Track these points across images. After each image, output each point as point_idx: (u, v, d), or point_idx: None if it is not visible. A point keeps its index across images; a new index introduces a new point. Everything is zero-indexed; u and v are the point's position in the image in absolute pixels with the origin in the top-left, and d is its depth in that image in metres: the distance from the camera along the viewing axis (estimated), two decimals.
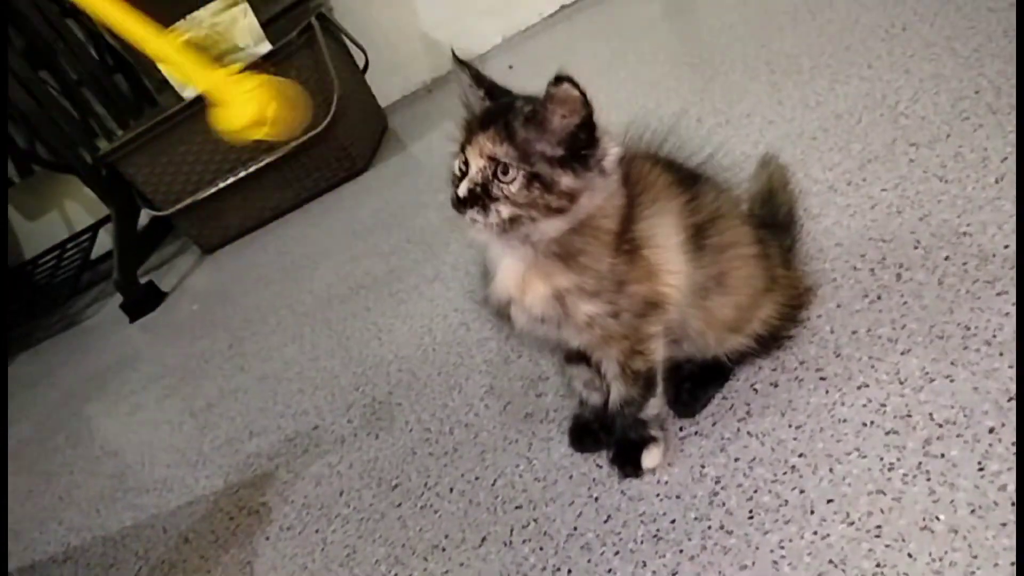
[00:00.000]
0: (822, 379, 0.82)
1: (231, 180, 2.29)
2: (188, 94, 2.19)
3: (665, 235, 0.74)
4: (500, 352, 1.17)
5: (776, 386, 0.85)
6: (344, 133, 2.28)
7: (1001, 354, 0.74)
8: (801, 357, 0.86)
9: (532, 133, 0.66)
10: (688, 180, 0.79)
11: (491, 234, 0.69)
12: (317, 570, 0.98)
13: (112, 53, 2.57)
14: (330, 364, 1.43)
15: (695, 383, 0.88)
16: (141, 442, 1.60)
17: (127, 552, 1.24)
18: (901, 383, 0.77)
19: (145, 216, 2.53)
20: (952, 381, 0.74)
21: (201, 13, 2.08)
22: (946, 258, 0.88)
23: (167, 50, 0.86)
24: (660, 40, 2.05)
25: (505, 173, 0.67)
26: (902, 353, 0.80)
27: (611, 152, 0.68)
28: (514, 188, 0.67)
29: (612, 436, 0.87)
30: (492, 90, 0.72)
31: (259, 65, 2.08)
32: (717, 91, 1.56)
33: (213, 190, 2.30)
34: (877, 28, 1.42)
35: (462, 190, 0.68)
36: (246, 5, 2.07)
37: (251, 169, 2.27)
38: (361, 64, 2.52)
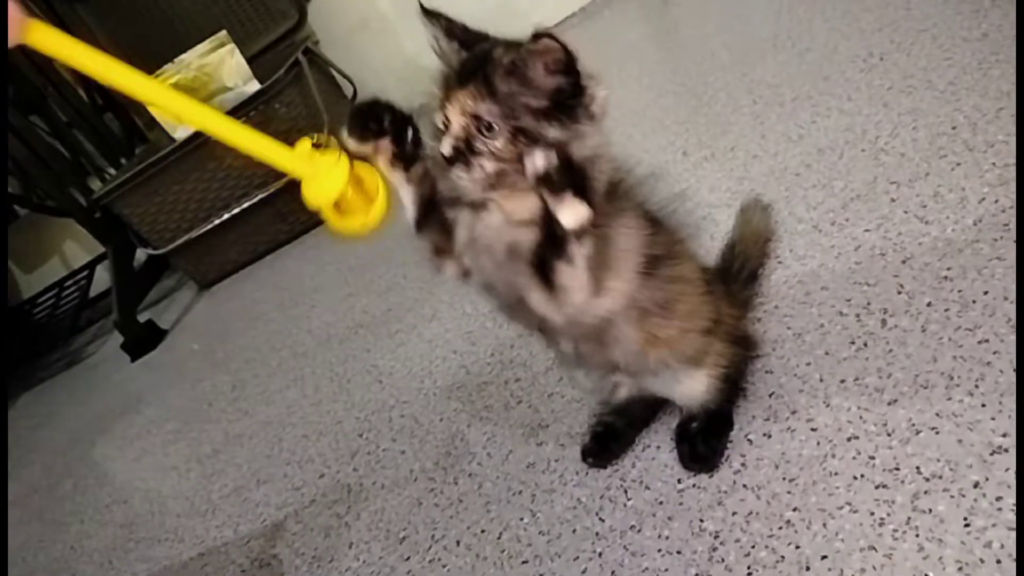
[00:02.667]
0: (813, 430, 0.85)
1: (225, 216, 2.31)
2: (180, 134, 2.21)
3: (625, 243, 0.75)
4: (500, 398, 1.20)
5: (769, 437, 0.87)
6: None
7: (983, 405, 0.77)
8: (792, 407, 0.89)
9: (514, 86, 0.65)
10: (650, 219, 0.80)
11: (478, 188, 0.69)
12: None
13: (102, 93, 2.58)
14: (333, 408, 1.46)
15: (707, 434, 0.89)
16: (149, 489, 1.62)
17: None
18: (889, 435, 0.80)
19: (142, 253, 2.55)
20: (937, 433, 0.77)
21: (189, 55, 2.11)
22: (928, 304, 0.90)
23: (243, 133, 0.77)
24: (644, 66, 2.08)
25: (489, 130, 0.66)
26: (889, 403, 0.83)
27: (599, 96, 0.66)
28: (499, 144, 0.66)
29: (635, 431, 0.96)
30: (466, 40, 0.70)
31: (250, 104, 2.11)
32: (702, 122, 1.59)
33: (208, 227, 2.33)
34: (856, 58, 1.45)
35: (446, 148, 0.67)
36: (233, 46, 2.10)
37: (245, 205, 2.29)
38: (349, 94, 2.54)
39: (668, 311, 0.81)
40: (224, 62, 2.11)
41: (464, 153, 0.67)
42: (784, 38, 1.69)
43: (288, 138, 0.77)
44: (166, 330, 2.40)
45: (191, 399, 1.86)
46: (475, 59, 0.67)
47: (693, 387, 0.87)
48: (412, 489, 1.14)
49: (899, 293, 0.94)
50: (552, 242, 0.70)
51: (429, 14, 0.70)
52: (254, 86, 2.13)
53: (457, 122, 0.67)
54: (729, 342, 0.88)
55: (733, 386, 0.89)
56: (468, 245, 0.75)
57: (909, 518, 0.72)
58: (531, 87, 0.65)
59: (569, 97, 0.65)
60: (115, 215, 2.35)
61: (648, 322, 0.80)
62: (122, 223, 2.38)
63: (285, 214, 2.37)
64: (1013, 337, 0.81)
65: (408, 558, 1.03)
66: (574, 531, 0.91)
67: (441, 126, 0.69)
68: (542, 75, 0.64)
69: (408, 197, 0.76)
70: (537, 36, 0.62)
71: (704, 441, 0.89)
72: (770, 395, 0.92)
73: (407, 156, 0.74)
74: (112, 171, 2.52)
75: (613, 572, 0.84)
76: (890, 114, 1.25)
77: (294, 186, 2.40)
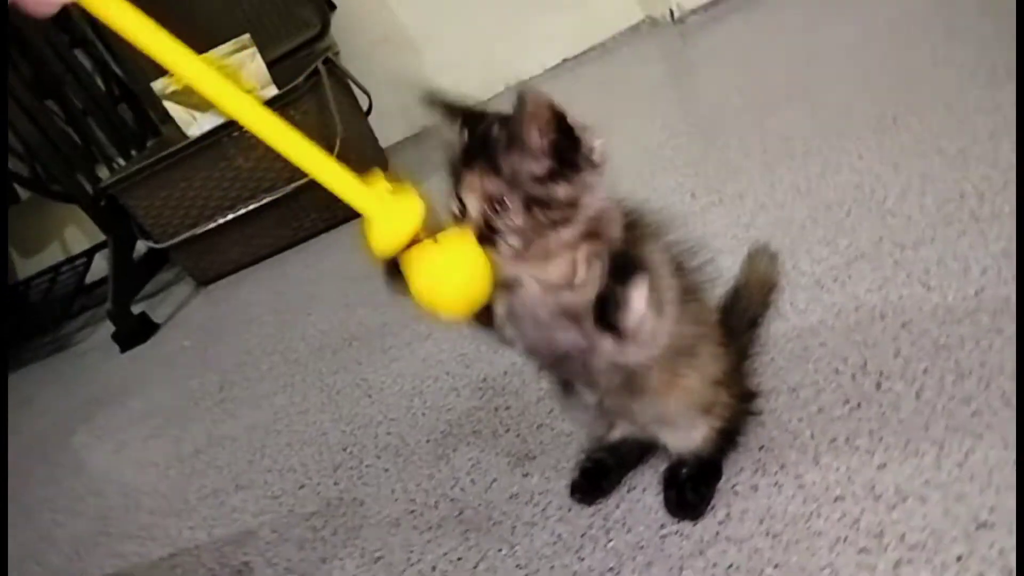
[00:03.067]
0: (800, 487, 0.84)
1: (230, 216, 2.32)
2: (193, 131, 2.22)
3: (661, 265, 0.76)
4: (489, 424, 1.19)
5: (756, 490, 0.87)
6: None
7: (971, 478, 0.76)
8: (782, 460, 0.88)
9: (515, 157, 0.67)
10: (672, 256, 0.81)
11: (513, 264, 0.71)
12: None
13: (119, 83, 2.60)
14: (319, 419, 1.45)
15: (696, 482, 0.89)
16: (126, 483, 1.61)
17: None
18: (876, 499, 0.79)
19: (142, 245, 2.55)
20: (924, 503, 0.77)
21: (211, 56, 2.12)
22: (924, 371, 0.90)
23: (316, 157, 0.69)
24: (659, 104, 2.10)
25: (502, 205, 0.68)
26: (878, 467, 0.82)
27: (595, 144, 0.68)
28: (515, 218, 0.68)
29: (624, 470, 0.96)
30: (467, 120, 0.71)
31: None
32: (711, 166, 1.60)
33: (212, 225, 2.33)
34: (869, 117, 1.47)
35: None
36: (255, 49, 2.12)
37: (251, 207, 2.30)
38: (364, 107, 2.56)
39: (692, 354, 0.82)
40: (245, 65, 2.13)
41: (487, 236, 0.69)
42: (799, 91, 1.71)
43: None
44: (159, 324, 2.39)
45: (177, 396, 1.85)
46: (477, 141, 0.69)
47: (692, 436, 0.86)
48: (392, 508, 1.13)
49: (896, 356, 0.94)
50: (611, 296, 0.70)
51: (430, 100, 0.72)
52: (272, 91, 2.15)
53: (472, 206, 0.69)
54: (734, 395, 0.88)
55: (729, 438, 0.89)
56: (507, 318, 0.77)
57: None
58: (529, 153, 0.67)
59: (567, 152, 0.67)
60: (120, 205, 2.35)
61: (675, 362, 0.80)
62: (126, 214, 2.38)
63: (289, 219, 2.37)
64: (1007, 412, 0.81)
65: None
66: (552, 567, 0.90)
67: (457, 212, 0.71)
68: (536, 138, 0.66)
69: None
70: (521, 98, 0.65)
71: (693, 488, 0.88)
72: (760, 448, 0.91)
73: None
74: (121, 161, 2.53)
75: None
76: (899, 177, 1.26)
77: (299, 192, 2.37)
